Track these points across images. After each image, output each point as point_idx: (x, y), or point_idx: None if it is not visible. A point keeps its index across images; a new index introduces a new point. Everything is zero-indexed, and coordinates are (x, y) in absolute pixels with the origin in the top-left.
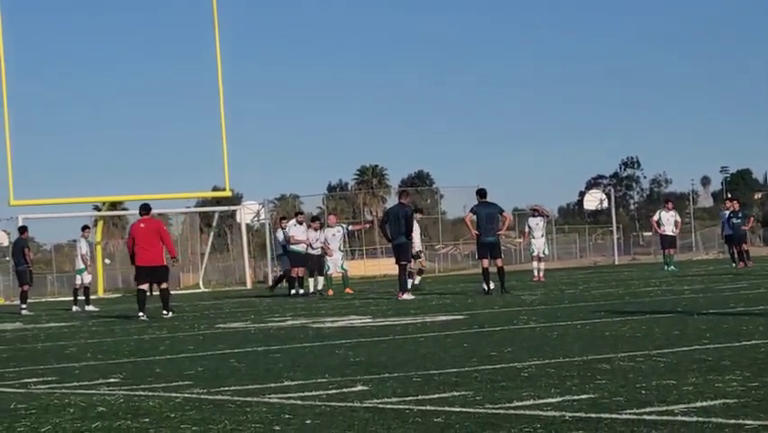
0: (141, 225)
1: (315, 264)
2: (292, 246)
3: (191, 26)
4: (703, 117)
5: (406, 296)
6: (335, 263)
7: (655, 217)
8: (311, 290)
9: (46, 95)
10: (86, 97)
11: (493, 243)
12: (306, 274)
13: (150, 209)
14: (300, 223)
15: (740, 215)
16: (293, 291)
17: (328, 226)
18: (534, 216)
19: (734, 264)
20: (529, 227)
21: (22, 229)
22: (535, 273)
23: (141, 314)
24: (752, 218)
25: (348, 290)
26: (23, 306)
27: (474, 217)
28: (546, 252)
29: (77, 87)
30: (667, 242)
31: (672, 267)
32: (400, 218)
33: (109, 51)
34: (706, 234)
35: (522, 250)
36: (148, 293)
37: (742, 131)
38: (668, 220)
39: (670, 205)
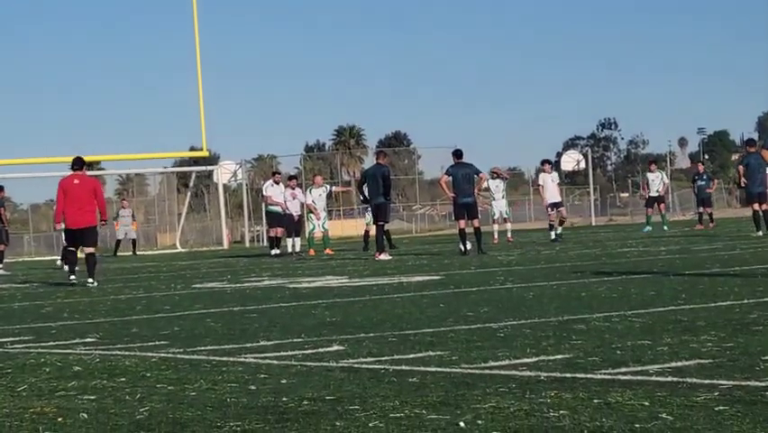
0: (75, 181)
1: (293, 225)
2: (270, 206)
3: None
4: (681, 78)
5: (383, 256)
6: (319, 223)
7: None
8: (288, 250)
9: (24, 54)
10: (63, 56)
11: (470, 203)
12: (284, 234)
13: (84, 164)
14: (277, 183)
15: (704, 177)
16: (272, 252)
17: (315, 187)
18: (493, 178)
19: (698, 226)
20: (489, 190)
21: None
22: (495, 236)
23: (72, 277)
24: (715, 180)
25: (328, 250)
26: (59, 262)
27: (450, 179)
28: (508, 213)
29: (54, 46)
30: (650, 202)
31: (651, 227)
32: (378, 178)
33: (86, 9)
34: (683, 194)
35: None
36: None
37: (719, 92)
38: (652, 181)
39: (652, 166)
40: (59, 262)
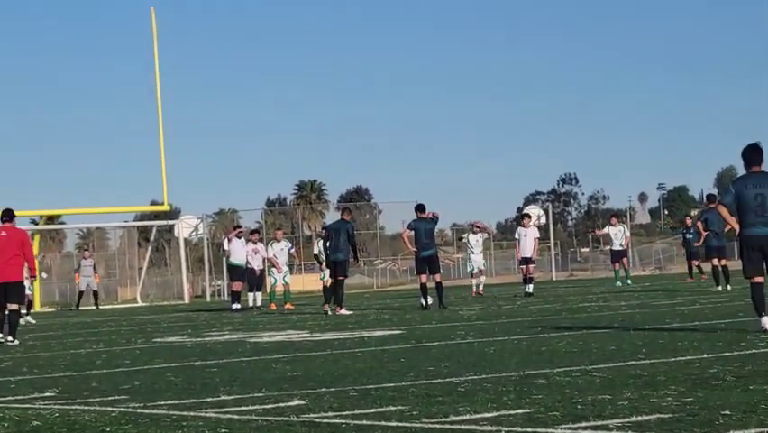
0: (2, 233)
1: (255, 279)
2: (231, 260)
3: (130, 35)
4: (641, 135)
5: (344, 311)
6: (281, 277)
7: (605, 230)
8: (250, 304)
9: None
10: (22, 110)
11: (432, 256)
12: (246, 289)
13: (14, 216)
14: (239, 237)
15: (692, 231)
16: (234, 306)
17: (276, 241)
18: (474, 232)
19: (689, 279)
20: (469, 244)
21: None
22: (474, 288)
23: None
24: (702, 234)
25: (289, 305)
26: None
27: (412, 233)
28: (485, 265)
29: (12, 100)
30: (614, 256)
31: (621, 282)
32: (341, 233)
33: (47, 63)
34: (643, 250)
35: (460, 265)
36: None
37: (678, 149)
38: (615, 235)
39: (614, 220)
40: None
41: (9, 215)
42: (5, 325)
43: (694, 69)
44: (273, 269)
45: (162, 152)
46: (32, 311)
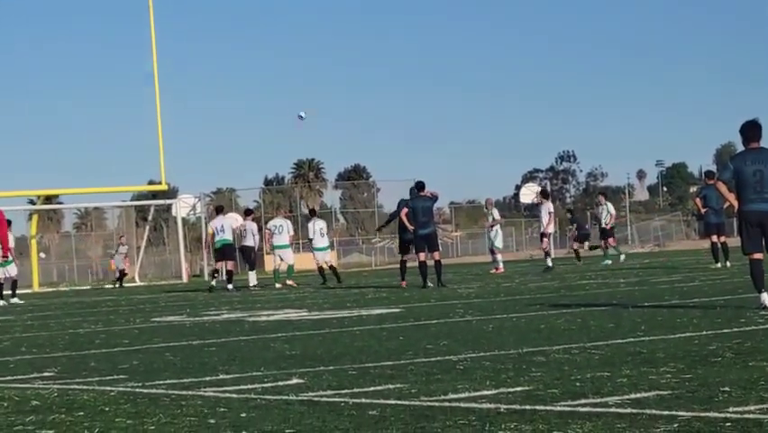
0: None
1: (249, 259)
2: (224, 238)
3: (127, 15)
4: (639, 111)
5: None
6: (286, 256)
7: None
8: (252, 283)
9: None
10: (20, 89)
11: (430, 235)
12: (247, 268)
13: None
14: (218, 212)
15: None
16: (229, 286)
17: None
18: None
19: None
20: (494, 220)
21: None
22: (500, 265)
23: None
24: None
25: (291, 282)
26: None
27: (410, 211)
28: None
29: (11, 80)
30: (603, 234)
31: (608, 260)
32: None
33: (45, 42)
34: (641, 227)
35: (459, 244)
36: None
37: (677, 125)
38: (600, 213)
39: (600, 198)
40: None
41: None
42: None
43: (692, 45)
44: (280, 250)
45: (160, 131)
46: (17, 292)
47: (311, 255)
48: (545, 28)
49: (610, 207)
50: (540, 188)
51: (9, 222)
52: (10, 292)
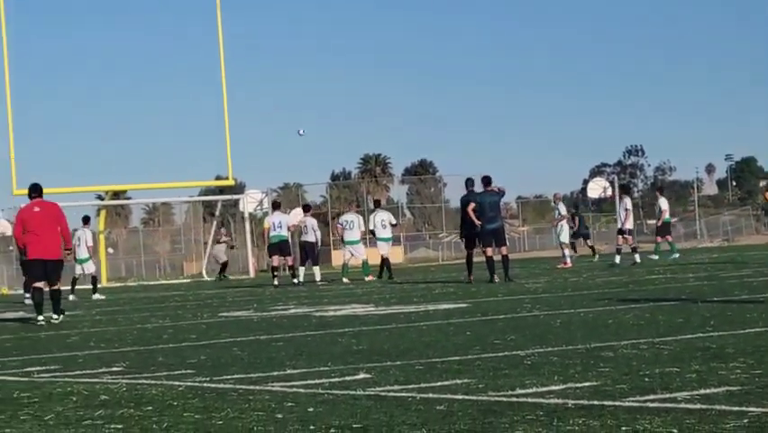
0: (36, 209)
1: (312, 254)
2: (280, 234)
3: (195, 10)
4: (708, 105)
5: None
6: (357, 251)
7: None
8: (317, 278)
9: (49, 84)
10: (89, 87)
11: (497, 230)
12: (310, 263)
13: (42, 190)
14: (276, 207)
15: None
16: (294, 281)
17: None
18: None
19: None
20: (561, 215)
21: None
22: (569, 260)
23: (39, 318)
24: None
25: (371, 277)
26: (27, 295)
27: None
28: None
29: (79, 77)
30: (658, 231)
31: (656, 255)
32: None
33: (111, 41)
34: (710, 221)
35: (526, 238)
36: (46, 289)
37: (747, 118)
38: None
39: (657, 194)
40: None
41: (38, 190)
42: (41, 305)
43: (761, 36)
44: (350, 246)
45: (227, 127)
46: (98, 286)
47: (376, 249)
48: (616, 22)
49: (627, 202)
50: (620, 184)
51: (87, 218)
52: (91, 288)
